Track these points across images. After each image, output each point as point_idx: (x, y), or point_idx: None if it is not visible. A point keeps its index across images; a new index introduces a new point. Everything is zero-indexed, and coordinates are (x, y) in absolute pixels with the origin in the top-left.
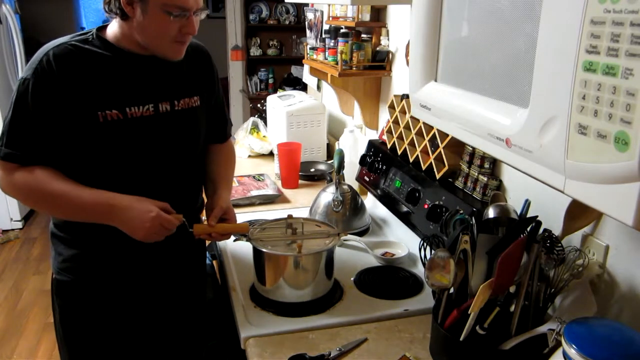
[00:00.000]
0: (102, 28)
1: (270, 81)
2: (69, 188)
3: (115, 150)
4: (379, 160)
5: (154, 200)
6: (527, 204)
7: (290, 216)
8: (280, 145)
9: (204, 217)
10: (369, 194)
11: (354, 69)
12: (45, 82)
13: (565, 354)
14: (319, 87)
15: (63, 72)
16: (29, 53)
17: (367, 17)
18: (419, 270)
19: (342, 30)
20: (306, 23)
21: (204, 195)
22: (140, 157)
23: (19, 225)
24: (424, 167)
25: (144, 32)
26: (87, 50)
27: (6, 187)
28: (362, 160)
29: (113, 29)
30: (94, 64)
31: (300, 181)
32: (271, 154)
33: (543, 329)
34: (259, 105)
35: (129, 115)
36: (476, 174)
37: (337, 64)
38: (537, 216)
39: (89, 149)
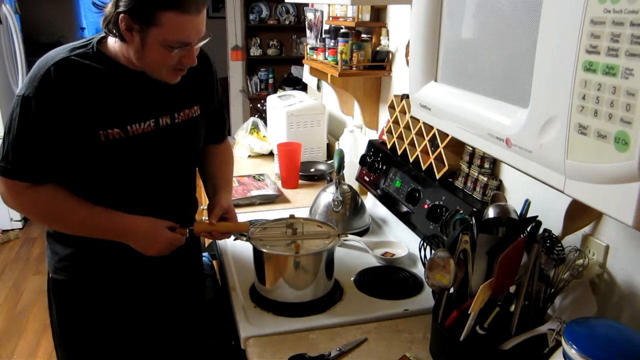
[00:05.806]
0: (103, 39)
1: (270, 81)
2: (82, 207)
3: (115, 167)
4: (379, 160)
5: (164, 222)
6: (527, 204)
7: (292, 216)
8: (280, 145)
9: (203, 218)
10: (369, 194)
11: (354, 69)
12: (49, 101)
13: (565, 354)
14: (319, 87)
15: (66, 90)
16: (29, 53)
17: (367, 17)
18: (419, 270)
19: (342, 30)
20: (306, 23)
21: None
22: (140, 171)
23: (19, 225)
24: (424, 167)
25: (142, 59)
26: (88, 66)
27: (16, 205)
28: (362, 160)
29: (114, 44)
30: (96, 82)
31: (300, 181)
32: (271, 154)
33: (543, 329)
34: (259, 105)
35: (130, 133)
36: (476, 174)
37: (337, 64)
38: (537, 216)
39: (90, 165)
